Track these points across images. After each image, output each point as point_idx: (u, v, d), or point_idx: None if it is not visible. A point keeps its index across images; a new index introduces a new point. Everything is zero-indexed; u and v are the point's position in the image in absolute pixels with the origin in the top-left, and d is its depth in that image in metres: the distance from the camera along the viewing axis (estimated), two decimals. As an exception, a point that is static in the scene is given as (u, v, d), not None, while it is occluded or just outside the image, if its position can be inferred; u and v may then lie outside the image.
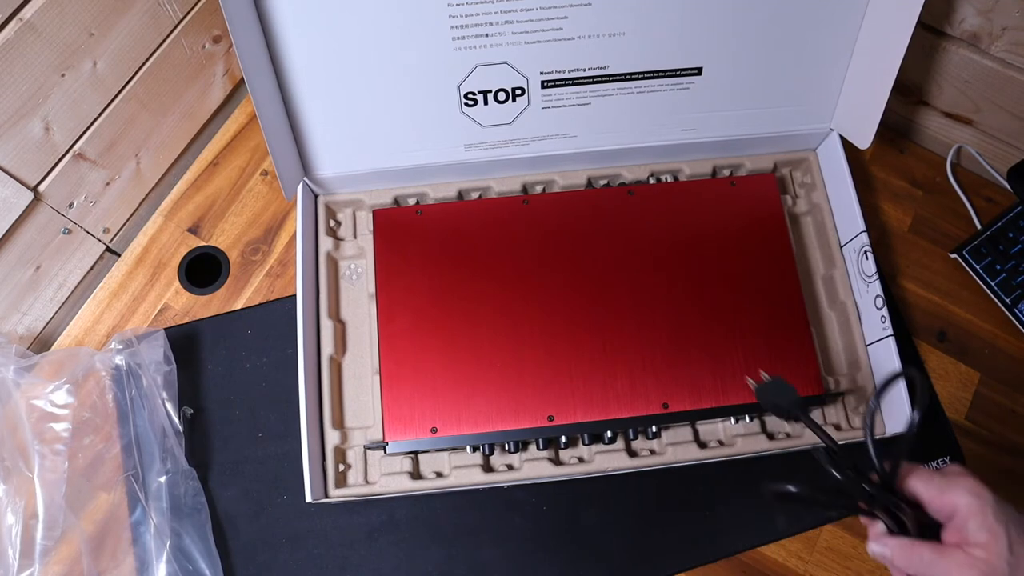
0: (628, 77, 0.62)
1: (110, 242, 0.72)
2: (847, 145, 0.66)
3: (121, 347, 0.64)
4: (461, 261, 0.63)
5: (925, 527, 0.41)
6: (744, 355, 0.61)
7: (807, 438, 0.61)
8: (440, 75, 0.60)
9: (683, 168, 0.69)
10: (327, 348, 0.63)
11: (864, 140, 0.64)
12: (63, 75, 0.59)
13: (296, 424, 0.58)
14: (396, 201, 0.67)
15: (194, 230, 0.73)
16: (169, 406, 0.64)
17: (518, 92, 0.62)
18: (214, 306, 0.70)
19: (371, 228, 0.65)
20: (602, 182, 0.69)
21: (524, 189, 0.68)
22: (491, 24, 0.58)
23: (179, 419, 0.64)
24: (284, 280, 0.71)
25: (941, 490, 0.40)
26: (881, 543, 0.41)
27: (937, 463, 0.65)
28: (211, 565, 0.60)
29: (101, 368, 0.65)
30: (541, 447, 0.60)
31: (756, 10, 0.60)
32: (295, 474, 0.59)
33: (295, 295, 0.61)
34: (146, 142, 0.70)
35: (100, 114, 0.64)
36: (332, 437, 0.60)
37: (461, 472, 0.59)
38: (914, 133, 0.78)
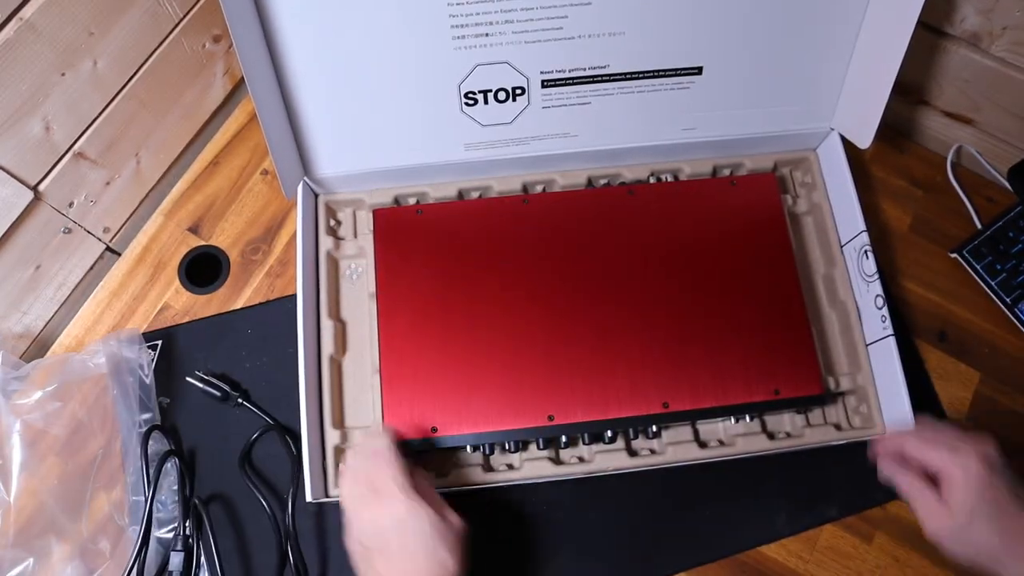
0: (628, 76, 0.62)
1: (110, 241, 0.72)
2: (847, 145, 0.66)
3: (112, 349, 0.64)
4: (461, 261, 0.63)
5: None
6: (744, 354, 0.61)
7: (807, 438, 0.61)
8: (440, 74, 0.60)
9: (683, 167, 0.68)
10: (327, 348, 0.63)
11: (864, 140, 0.64)
12: (63, 74, 0.59)
13: (296, 424, 0.59)
14: (396, 200, 0.67)
15: (194, 229, 0.73)
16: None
17: (518, 91, 0.62)
18: (214, 305, 0.70)
19: (371, 228, 0.65)
20: (602, 181, 0.68)
21: (524, 188, 0.68)
22: (491, 23, 0.58)
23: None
24: (284, 280, 0.71)
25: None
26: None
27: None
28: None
29: (94, 371, 0.64)
30: (541, 447, 0.60)
31: (757, 9, 0.59)
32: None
33: (295, 295, 0.61)
34: (146, 141, 0.70)
35: (100, 113, 0.64)
36: (332, 437, 0.60)
37: (461, 472, 0.60)
38: (914, 132, 0.78)
